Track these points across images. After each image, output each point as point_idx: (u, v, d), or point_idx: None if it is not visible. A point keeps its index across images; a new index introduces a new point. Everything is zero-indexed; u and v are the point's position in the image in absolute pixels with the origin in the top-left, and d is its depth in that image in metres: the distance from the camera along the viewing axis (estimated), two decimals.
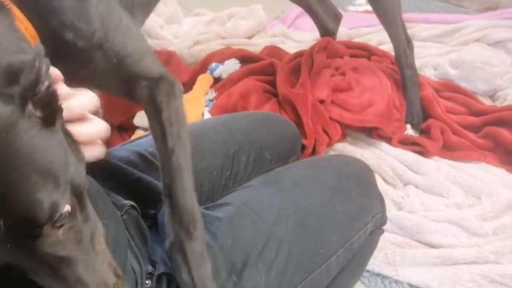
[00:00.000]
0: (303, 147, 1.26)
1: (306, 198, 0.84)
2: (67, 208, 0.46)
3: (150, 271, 0.68)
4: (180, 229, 0.68)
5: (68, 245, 0.47)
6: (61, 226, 0.46)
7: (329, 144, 1.33)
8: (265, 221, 0.78)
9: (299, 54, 1.52)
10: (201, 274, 0.67)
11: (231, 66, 1.54)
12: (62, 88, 0.57)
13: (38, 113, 0.46)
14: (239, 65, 1.55)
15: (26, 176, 0.42)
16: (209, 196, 0.94)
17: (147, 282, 0.67)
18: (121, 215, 0.72)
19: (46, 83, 0.46)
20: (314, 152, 1.30)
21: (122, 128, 1.48)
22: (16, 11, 0.56)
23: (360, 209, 0.88)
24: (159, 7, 2.15)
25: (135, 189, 0.79)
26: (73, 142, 0.55)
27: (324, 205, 0.85)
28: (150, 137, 0.80)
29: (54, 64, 0.52)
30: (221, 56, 1.58)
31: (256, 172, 1.00)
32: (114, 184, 0.77)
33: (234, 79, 1.48)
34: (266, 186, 0.88)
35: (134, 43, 0.70)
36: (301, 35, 1.94)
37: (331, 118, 1.33)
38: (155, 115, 0.71)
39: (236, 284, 0.71)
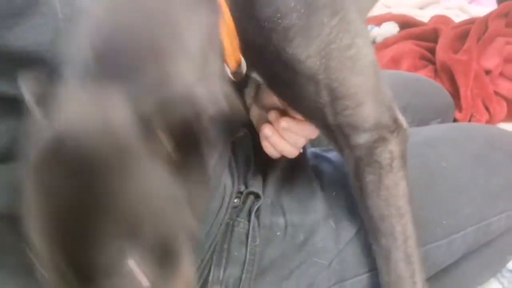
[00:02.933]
0: (455, 121, 1.09)
1: (438, 158, 0.70)
2: None
3: (242, 190, 0.64)
4: None
5: None
6: None
7: (489, 122, 1.11)
8: None
9: (470, 22, 1.31)
10: None
11: (389, 29, 1.40)
12: None
13: None
14: (397, 29, 1.40)
15: None
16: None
17: (235, 200, 0.63)
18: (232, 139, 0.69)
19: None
20: None
21: None
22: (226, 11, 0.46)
23: (509, 188, 0.71)
24: None
25: None
26: None
27: (461, 171, 0.70)
28: None
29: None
30: (379, 19, 1.45)
31: None
32: None
33: (389, 43, 1.34)
34: None
35: (360, 79, 0.50)
36: (481, 9, 1.69)
37: (496, 93, 1.11)
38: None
39: (333, 232, 0.62)
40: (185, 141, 0.34)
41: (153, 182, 0.33)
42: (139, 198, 0.32)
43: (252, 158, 0.70)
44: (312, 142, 0.83)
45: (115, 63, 0.34)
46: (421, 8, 1.78)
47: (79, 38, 0.36)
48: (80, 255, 0.31)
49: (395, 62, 1.23)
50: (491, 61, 1.14)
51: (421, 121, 0.91)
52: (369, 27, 1.42)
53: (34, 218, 0.31)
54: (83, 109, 0.32)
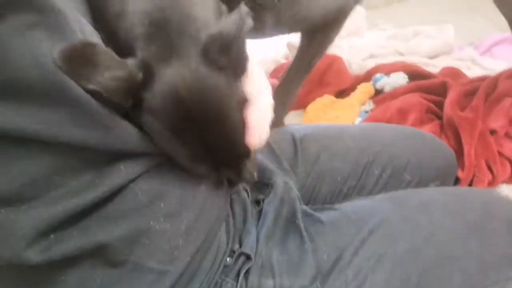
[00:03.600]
0: (457, 180, 1.08)
1: (431, 225, 0.70)
2: None
3: (235, 249, 0.65)
4: None
5: None
6: None
7: (491, 184, 1.10)
8: (372, 232, 0.66)
9: (481, 79, 1.31)
10: None
11: (398, 79, 1.41)
12: None
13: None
14: (406, 80, 1.41)
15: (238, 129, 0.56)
16: (326, 200, 0.86)
17: (227, 259, 0.65)
18: (231, 194, 0.72)
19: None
20: None
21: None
22: None
23: (502, 260, 0.70)
24: None
25: None
26: None
27: (454, 240, 0.69)
28: None
29: None
30: (389, 67, 1.46)
31: (386, 191, 0.87)
32: None
33: (397, 94, 1.35)
34: (388, 202, 0.76)
35: None
36: (493, 62, 1.69)
37: (500, 153, 1.11)
38: None
39: None
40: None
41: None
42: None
43: (249, 213, 0.71)
44: (306, 201, 0.84)
45: (169, 32, 0.53)
46: (433, 57, 1.79)
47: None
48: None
49: (401, 114, 1.24)
50: (497, 121, 1.14)
51: (420, 180, 0.90)
52: (378, 76, 1.43)
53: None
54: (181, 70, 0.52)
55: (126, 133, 0.53)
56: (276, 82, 1.50)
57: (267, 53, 1.90)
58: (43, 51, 0.44)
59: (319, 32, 1.08)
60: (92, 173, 0.52)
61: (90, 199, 0.52)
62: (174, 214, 0.59)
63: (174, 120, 0.52)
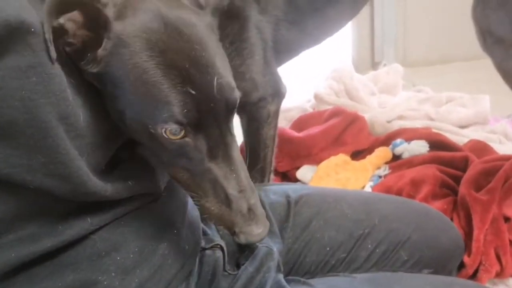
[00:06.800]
0: (462, 265, 1.01)
1: None
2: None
3: None
4: None
5: None
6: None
7: (499, 275, 1.02)
8: None
9: (505, 158, 1.24)
10: None
11: (417, 147, 1.35)
12: None
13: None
14: (427, 148, 1.35)
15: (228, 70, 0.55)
16: (309, 270, 0.83)
17: None
18: (203, 248, 0.70)
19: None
20: (474, 276, 1.02)
21: (284, 176, 1.45)
22: None
23: None
24: (379, 74, 2.09)
25: None
26: None
27: None
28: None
29: None
30: (411, 133, 1.41)
31: (377, 269, 0.82)
32: None
33: (414, 162, 1.30)
34: (368, 285, 0.71)
35: None
36: None
37: None
38: None
39: None
40: None
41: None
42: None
43: (218, 275, 0.68)
44: (290, 267, 0.80)
45: None
46: (464, 126, 1.72)
47: None
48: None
49: (414, 185, 1.18)
50: None
51: (418, 260, 0.84)
52: (398, 141, 1.39)
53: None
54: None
55: (98, 187, 0.52)
56: (293, 134, 1.48)
57: (293, 101, 1.89)
58: (32, 95, 0.44)
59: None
60: (56, 221, 0.52)
61: (48, 247, 0.51)
62: (127, 270, 0.57)
63: (161, 45, 0.49)
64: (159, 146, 0.52)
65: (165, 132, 0.50)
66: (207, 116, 0.51)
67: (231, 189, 0.53)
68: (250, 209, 0.54)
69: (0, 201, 0.48)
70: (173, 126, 0.49)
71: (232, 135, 0.55)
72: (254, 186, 0.56)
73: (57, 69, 0.46)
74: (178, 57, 0.49)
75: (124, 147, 0.57)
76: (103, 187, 0.52)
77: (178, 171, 0.55)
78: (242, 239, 0.54)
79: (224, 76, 0.52)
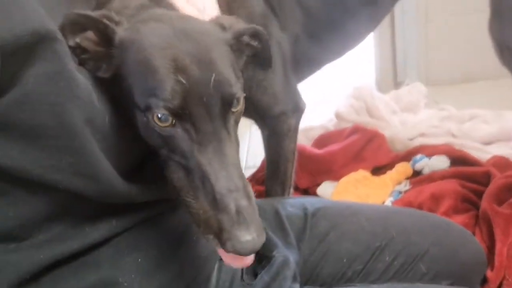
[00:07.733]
0: (485, 280, 0.99)
1: None
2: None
3: None
4: None
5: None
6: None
7: None
8: None
9: None
10: None
11: (438, 163, 1.35)
12: None
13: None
14: (447, 164, 1.35)
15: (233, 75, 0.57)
16: (325, 282, 0.83)
17: None
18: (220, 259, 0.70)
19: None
20: None
21: (305, 193, 1.46)
22: None
23: None
24: (402, 93, 2.09)
25: None
26: None
27: None
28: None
29: None
30: (432, 149, 1.41)
31: (396, 281, 0.82)
32: None
33: (435, 178, 1.29)
34: None
35: None
36: None
37: None
38: None
39: None
40: None
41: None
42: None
43: (235, 283, 0.69)
44: (306, 278, 0.81)
45: None
46: (487, 143, 1.70)
47: None
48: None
49: (434, 200, 1.18)
50: None
51: (437, 273, 0.83)
52: (418, 157, 1.38)
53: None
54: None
55: (124, 188, 0.54)
56: (313, 151, 1.49)
57: (316, 120, 1.91)
58: (60, 99, 0.47)
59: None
60: (83, 222, 0.54)
61: (75, 248, 0.53)
62: (147, 273, 0.58)
63: (166, 42, 0.54)
64: (156, 138, 0.54)
65: (153, 118, 0.52)
66: (198, 109, 0.52)
67: (219, 187, 0.50)
68: (239, 212, 0.49)
69: (32, 203, 0.50)
70: (161, 111, 0.51)
71: (229, 133, 0.55)
72: (251, 191, 0.53)
73: (82, 74, 0.50)
74: (179, 52, 0.53)
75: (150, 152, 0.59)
76: (128, 188, 0.54)
77: (173, 169, 0.55)
78: (229, 246, 0.49)
79: (223, 74, 0.54)
